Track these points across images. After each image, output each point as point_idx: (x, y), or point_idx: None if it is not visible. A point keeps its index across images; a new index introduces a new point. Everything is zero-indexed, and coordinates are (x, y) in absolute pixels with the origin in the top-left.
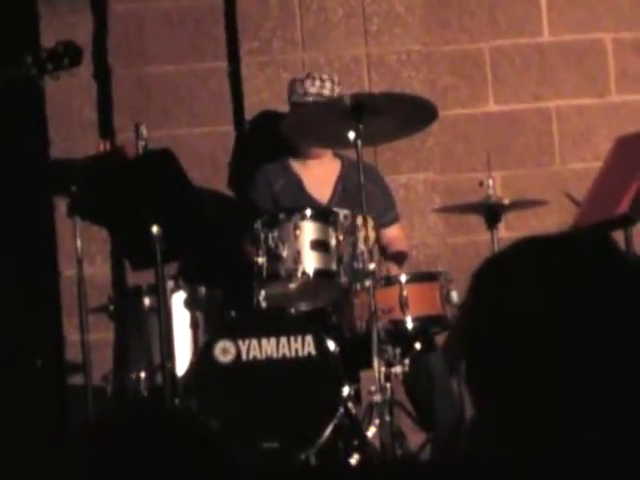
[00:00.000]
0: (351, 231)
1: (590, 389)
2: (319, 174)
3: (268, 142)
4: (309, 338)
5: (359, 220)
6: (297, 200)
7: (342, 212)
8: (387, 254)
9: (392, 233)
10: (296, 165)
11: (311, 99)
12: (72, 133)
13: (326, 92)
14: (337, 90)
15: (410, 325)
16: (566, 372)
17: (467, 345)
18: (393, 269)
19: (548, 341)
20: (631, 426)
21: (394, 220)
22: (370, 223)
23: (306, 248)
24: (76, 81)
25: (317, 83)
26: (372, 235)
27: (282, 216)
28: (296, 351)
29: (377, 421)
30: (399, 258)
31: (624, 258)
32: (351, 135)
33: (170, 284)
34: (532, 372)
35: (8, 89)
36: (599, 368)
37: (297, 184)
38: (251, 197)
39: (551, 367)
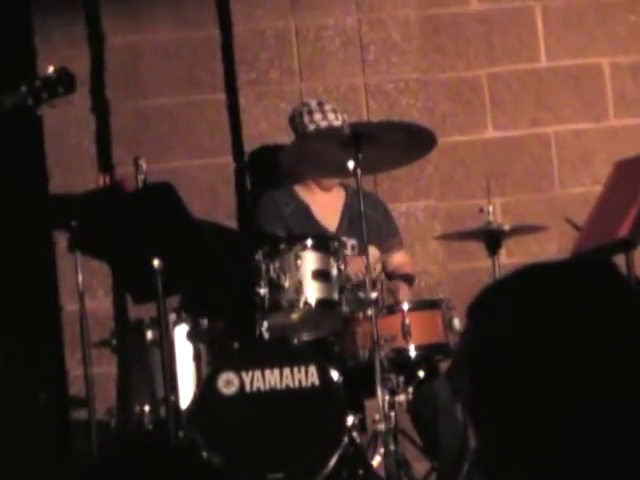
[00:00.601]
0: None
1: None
2: (326, 202)
3: (269, 173)
4: (312, 368)
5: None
6: (307, 227)
7: (350, 242)
8: (394, 277)
9: (398, 259)
10: (302, 192)
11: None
12: (71, 166)
13: (337, 124)
14: (345, 121)
15: (413, 353)
16: (580, 406)
17: (467, 375)
18: (403, 289)
19: (547, 371)
20: None
21: (399, 246)
22: (373, 251)
23: (307, 278)
24: (74, 114)
25: (330, 116)
26: (375, 264)
27: (283, 246)
28: (299, 381)
29: (382, 450)
30: (408, 280)
31: (627, 284)
32: (350, 164)
33: (172, 317)
34: (535, 405)
35: (6, 121)
36: (617, 399)
37: (305, 211)
38: (260, 223)
39: (557, 399)
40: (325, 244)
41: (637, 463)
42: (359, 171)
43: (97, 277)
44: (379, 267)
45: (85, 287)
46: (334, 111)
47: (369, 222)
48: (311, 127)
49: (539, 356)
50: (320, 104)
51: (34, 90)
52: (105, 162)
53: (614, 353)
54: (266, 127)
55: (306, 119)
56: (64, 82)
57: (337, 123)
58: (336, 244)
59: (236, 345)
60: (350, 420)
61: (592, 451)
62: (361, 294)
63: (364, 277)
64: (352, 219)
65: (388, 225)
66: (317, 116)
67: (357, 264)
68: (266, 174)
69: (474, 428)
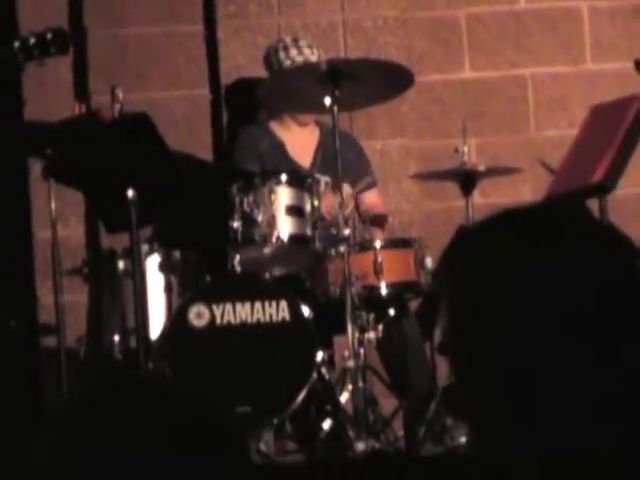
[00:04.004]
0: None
1: (589, 368)
2: (300, 139)
3: (246, 107)
4: (283, 303)
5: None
6: (280, 163)
7: (323, 179)
8: (366, 219)
9: (370, 198)
10: (277, 129)
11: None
12: (47, 94)
13: (314, 59)
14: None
15: (384, 291)
16: (562, 348)
17: (445, 318)
18: (377, 233)
19: (521, 316)
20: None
21: (371, 185)
22: (347, 190)
23: (281, 213)
24: None
25: (306, 51)
26: (349, 202)
27: (257, 181)
28: (270, 316)
29: (350, 386)
30: (380, 222)
31: (601, 228)
32: (327, 101)
33: (145, 248)
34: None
35: None
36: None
37: (280, 148)
38: (236, 158)
39: (542, 343)
40: (300, 180)
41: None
42: (335, 108)
43: (70, 205)
44: (352, 205)
45: (58, 215)
46: (310, 47)
47: (343, 160)
48: (287, 63)
49: (517, 299)
50: (295, 40)
51: (26, 47)
52: (81, 91)
53: (597, 300)
54: (243, 61)
55: (282, 55)
56: (58, 42)
57: (313, 58)
58: (310, 181)
59: (208, 278)
60: (319, 356)
61: (560, 408)
62: (333, 231)
63: (337, 214)
64: (326, 157)
65: (362, 164)
66: (293, 52)
67: (330, 200)
68: (243, 108)
69: (453, 369)
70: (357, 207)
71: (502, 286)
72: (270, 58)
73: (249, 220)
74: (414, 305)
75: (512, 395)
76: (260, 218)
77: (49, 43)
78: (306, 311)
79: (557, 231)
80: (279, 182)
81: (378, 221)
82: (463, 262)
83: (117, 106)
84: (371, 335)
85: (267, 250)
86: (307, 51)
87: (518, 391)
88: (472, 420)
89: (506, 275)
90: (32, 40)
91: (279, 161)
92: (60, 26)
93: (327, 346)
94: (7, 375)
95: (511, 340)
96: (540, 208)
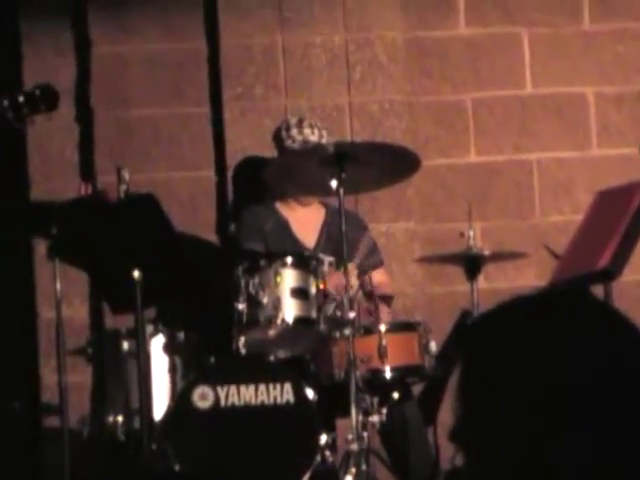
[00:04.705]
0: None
1: (594, 453)
2: (305, 219)
3: (251, 187)
4: (288, 386)
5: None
6: (285, 243)
7: (327, 259)
8: (374, 297)
9: (377, 278)
10: (282, 209)
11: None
12: (53, 174)
13: (314, 139)
14: (324, 138)
15: (389, 375)
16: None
17: (465, 408)
18: (383, 311)
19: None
20: None
21: (379, 264)
22: (353, 271)
23: (286, 295)
24: (58, 122)
25: (306, 131)
26: (354, 283)
27: (263, 262)
28: (274, 398)
29: (354, 470)
30: (387, 301)
31: (611, 312)
32: (333, 183)
33: (149, 328)
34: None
35: None
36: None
37: (285, 227)
38: (241, 238)
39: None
40: (305, 262)
41: None
42: (341, 190)
43: (75, 285)
44: (356, 285)
45: (62, 295)
46: (311, 126)
47: (349, 241)
48: (288, 142)
49: (525, 388)
50: (300, 121)
51: (16, 105)
52: (87, 171)
53: (605, 383)
54: (249, 142)
55: (283, 134)
56: (47, 99)
57: (313, 138)
58: (315, 262)
59: (212, 359)
60: (323, 439)
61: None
62: (338, 313)
63: (342, 295)
64: (330, 237)
65: (368, 243)
66: (294, 131)
67: (335, 278)
68: (248, 189)
69: (465, 454)
70: (362, 285)
71: (521, 374)
72: (276, 138)
73: (254, 302)
74: (417, 389)
75: None
76: (265, 300)
77: (39, 100)
78: (310, 394)
79: (572, 315)
80: (284, 264)
81: (385, 300)
82: (478, 350)
83: (123, 187)
84: (375, 418)
85: (272, 332)
86: (307, 130)
87: None
88: None
89: (524, 362)
90: (21, 98)
91: (284, 240)
92: (48, 83)
93: (330, 429)
94: (9, 455)
95: (528, 431)
96: (550, 293)
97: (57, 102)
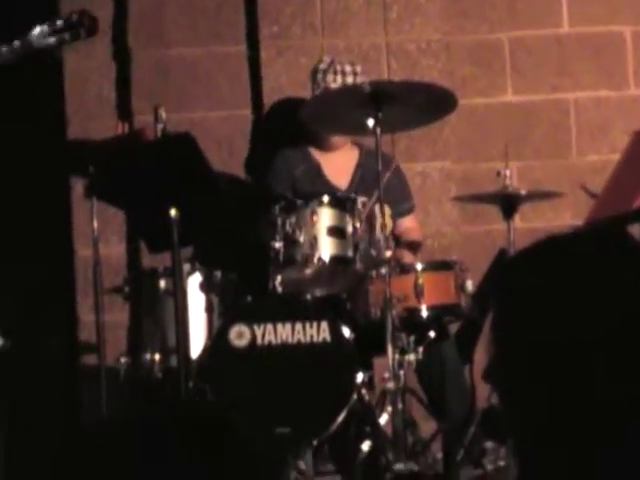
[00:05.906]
0: (368, 218)
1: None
2: (338, 162)
3: (287, 128)
4: (324, 324)
5: (376, 208)
6: (316, 187)
7: (360, 199)
8: (401, 243)
9: (407, 223)
10: (315, 152)
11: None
12: (90, 113)
13: (349, 80)
14: (359, 75)
15: (425, 313)
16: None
17: (498, 347)
18: (408, 257)
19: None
20: None
21: (410, 210)
22: (387, 211)
23: (323, 234)
24: (95, 62)
25: (339, 78)
26: (389, 223)
27: (300, 202)
28: (311, 337)
29: (389, 408)
30: (413, 247)
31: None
32: (370, 122)
33: (186, 267)
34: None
35: (27, 62)
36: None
37: (316, 171)
38: (270, 181)
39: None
40: (341, 202)
41: None
42: (378, 130)
43: (112, 224)
44: (391, 225)
45: (99, 233)
46: (347, 74)
47: (383, 183)
48: (327, 80)
49: (565, 328)
50: (336, 66)
51: (57, 31)
52: (124, 110)
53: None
54: (286, 81)
55: (319, 75)
56: (86, 24)
57: (350, 79)
58: (351, 202)
59: (249, 298)
60: (359, 377)
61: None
62: (374, 252)
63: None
64: (364, 178)
65: (402, 188)
66: (330, 71)
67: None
68: (283, 130)
69: (500, 398)
70: (393, 230)
71: (554, 312)
72: (313, 78)
73: (291, 241)
74: (453, 328)
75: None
76: (302, 239)
77: (78, 25)
78: (347, 332)
79: (607, 254)
80: (321, 203)
81: (412, 246)
82: (512, 288)
83: (160, 126)
84: (411, 357)
85: (308, 271)
86: (348, 68)
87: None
88: (515, 443)
89: (558, 301)
90: (61, 23)
91: (315, 184)
92: (85, 9)
93: (367, 367)
94: (47, 392)
95: (560, 369)
96: (586, 232)
97: (97, 27)
